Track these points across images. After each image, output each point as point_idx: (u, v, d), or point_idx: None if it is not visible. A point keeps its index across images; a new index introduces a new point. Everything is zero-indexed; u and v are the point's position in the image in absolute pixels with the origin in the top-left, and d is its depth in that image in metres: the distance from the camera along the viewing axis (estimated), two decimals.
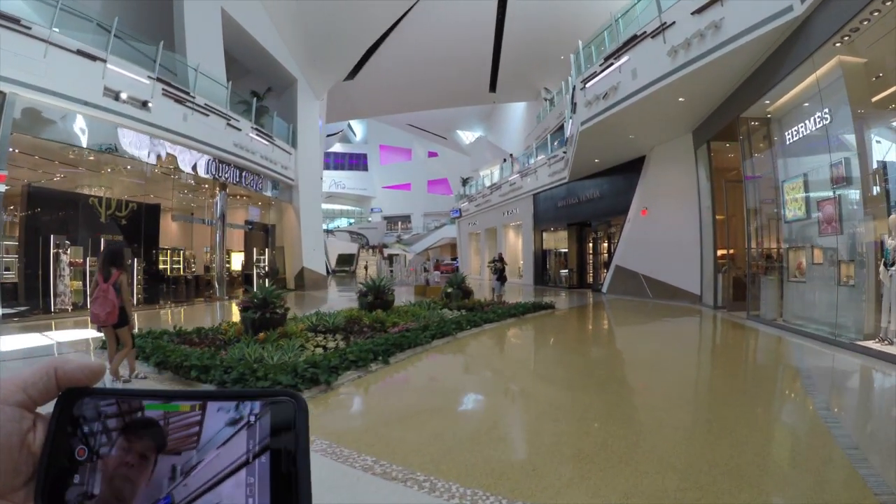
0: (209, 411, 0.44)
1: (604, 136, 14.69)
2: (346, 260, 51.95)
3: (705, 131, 13.25)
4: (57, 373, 0.44)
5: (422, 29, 25.04)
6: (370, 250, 53.14)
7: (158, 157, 15.11)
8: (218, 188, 19.40)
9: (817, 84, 8.60)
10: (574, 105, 15.16)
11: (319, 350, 7.36)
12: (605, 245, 20.96)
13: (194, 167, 16.70)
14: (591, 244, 21.94)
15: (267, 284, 8.33)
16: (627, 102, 12.04)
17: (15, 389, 0.42)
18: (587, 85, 13.62)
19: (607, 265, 19.38)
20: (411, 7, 22.82)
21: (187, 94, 15.51)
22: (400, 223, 64.66)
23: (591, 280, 21.86)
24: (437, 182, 62.76)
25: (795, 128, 9.75)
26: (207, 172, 17.40)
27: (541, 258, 25.12)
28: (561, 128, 22.26)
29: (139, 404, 0.45)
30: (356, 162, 68.02)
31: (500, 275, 14.89)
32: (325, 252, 50.89)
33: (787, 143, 10.05)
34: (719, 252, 12.97)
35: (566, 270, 23.17)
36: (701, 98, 11.68)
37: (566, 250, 23.25)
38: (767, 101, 10.74)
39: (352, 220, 66.04)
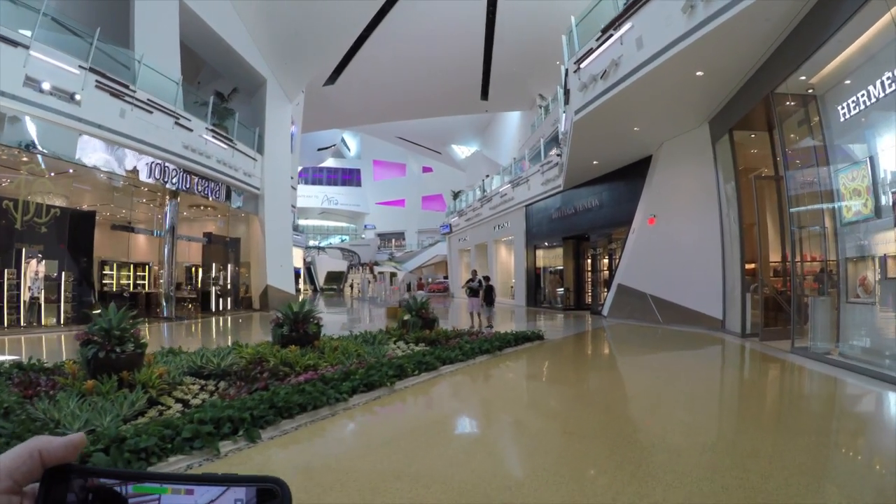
0: (197, 494, 0.45)
1: (603, 129, 12.28)
2: (335, 278, 50.02)
3: (726, 118, 10.81)
4: (42, 454, 0.45)
5: (406, 30, 22.88)
6: (360, 268, 50.89)
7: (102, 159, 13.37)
8: (168, 196, 17.18)
9: (894, 26, 6.17)
10: (567, 94, 12.77)
11: (177, 408, 4.99)
12: (606, 261, 18.44)
13: (134, 170, 14.53)
14: (589, 260, 19.38)
15: (114, 307, 5.73)
16: (631, 80, 9.61)
17: (0, 477, 0.43)
18: (582, 65, 11.22)
19: (609, 284, 16.83)
20: (392, 3, 20.69)
21: (126, 87, 13.52)
22: (393, 240, 62.77)
23: (589, 301, 19.27)
24: (432, 198, 60.67)
25: (853, 98, 7.33)
26: (150, 176, 15.27)
27: (533, 276, 22.53)
28: (556, 137, 19.92)
29: (125, 485, 0.45)
30: (349, 177, 66.51)
31: (476, 293, 12.42)
32: (311, 268, 48.96)
33: (842, 119, 7.61)
34: (747, 266, 10.43)
35: (562, 290, 20.59)
36: (723, 70, 9.25)
37: (561, 267, 20.66)
38: (803, 78, 8.43)
39: (344, 238, 64.05)
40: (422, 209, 61.76)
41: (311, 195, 62.61)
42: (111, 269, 22.91)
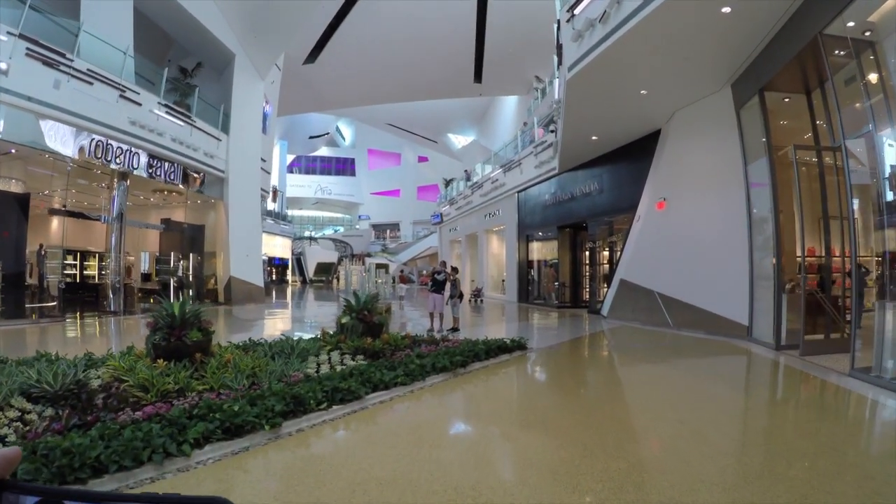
0: None
1: (602, 91, 10.20)
2: (324, 269, 48.41)
3: (755, 75, 8.70)
4: None
5: (392, 5, 20.77)
6: (351, 259, 49.08)
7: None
8: (116, 178, 15.36)
9: None
10: (559, 51, 10.66)
11: None
12: (606, 253, 16.38)
13: (70, 148, 12.80)
14: (587, 252, 17.30)
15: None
16: (638, 18, 7.51)
17: None
18: (577, 10, 9.12)
19: (609, 279, 14.79)
20: None
21: (63, 55, 11.98)
22: (388, 231, 60.95)
23: (587, 297, 17.19)
24: (428, 188, 58.74)
25: None
26: (90, 155, 13.72)
27: (526, 270, 20.44)
28: (552, 120, 17.82)
29: (61, 503, 0.43)
30: (343, 167, 64.77)
31: (440, 288, 10.45)
32: (301, 259, 47.10)
33: None
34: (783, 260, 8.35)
35: (557, 284, 18.50)
36: (757, 9, 7.17)
37: (556, 260, 18.54)
38: (852, 24, 6.46)
39: (338, 228, 62.25)
40: (417, 199, 59.86)
41: (304, 185, 61.04)
42: (74, 259, 21.39)
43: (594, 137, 13.01)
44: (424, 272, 44.42)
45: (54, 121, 12.15)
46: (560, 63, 10.87)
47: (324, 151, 62.22)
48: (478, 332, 10.74)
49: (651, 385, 6.15)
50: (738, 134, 9.62)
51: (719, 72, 9.38)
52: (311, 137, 54.61)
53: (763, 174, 8.95)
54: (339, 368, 5.86)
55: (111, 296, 15.47)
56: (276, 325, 13.50)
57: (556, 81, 12.29)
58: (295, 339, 7.07)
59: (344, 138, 64.07)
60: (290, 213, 54.24)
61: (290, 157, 57.75)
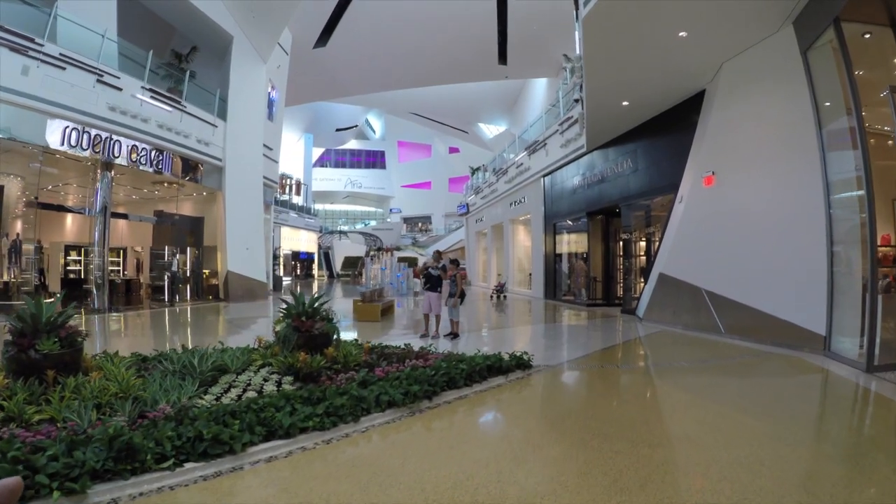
0: None
1: (630, 35, 8.14)
2: (352, 263, 47.71)
3: (827, 3, 6.54)
4: None
5: None
6: (377, 253, 48.03)
7: None
8: (99, 168, 14.37)
9: None
10: None
11: None
12: (643, 244, 14.23)
13: (48, 137, 12.15)
14: (620, 242, 15.13)
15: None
16: None
17: None
18: None
19: (646, 273, 12.69)
20: None
21: (32, 41, 11.32)
22: (420, 224, 59.76)
23: (621, 293, 15.04)
24: (460, 180, 56.95)
25: None
26: (64, 143, 12.83)
27: (553, 263, 18.38)
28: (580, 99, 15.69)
29: None
30: (374, 160, 63.92)
31: (436, 284, 8.77)
32: (329, 253, 46.27)
33: None
34: (880, 250, 6.19)
35: (585, 278, 16.37)
36: None
37: (586, 252, 16.39)
38: None
39: (369, 222, 61.34)
40: (449, 191, 58.33)
41: (334, 178, 60.40)
42: (79, 255, 20.94)
43: (625, 103, 10.90)
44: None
45: (23, 108, 11.33)
46: (577, 6, 8.88)
47: (353, 144, 61.49)
48: (483, 338, 8.95)
49: (707, 445, 3.76)
50: (806, 85, 7.42)
51: (777, 5, 7.22)
52: (337, 130, 53.65)
53: (843, 136, 6.81)
54: (248, 395, 4.20)
55: (94, 292, 14.47)
56: (247, 325, 11.99)
57: (577, 34, 10.27)
58: (219, 349, 5.43)
59: (374, 131, 63.05)
60: (320, 207, 53.59)
61: (318, 151, 57.06)
